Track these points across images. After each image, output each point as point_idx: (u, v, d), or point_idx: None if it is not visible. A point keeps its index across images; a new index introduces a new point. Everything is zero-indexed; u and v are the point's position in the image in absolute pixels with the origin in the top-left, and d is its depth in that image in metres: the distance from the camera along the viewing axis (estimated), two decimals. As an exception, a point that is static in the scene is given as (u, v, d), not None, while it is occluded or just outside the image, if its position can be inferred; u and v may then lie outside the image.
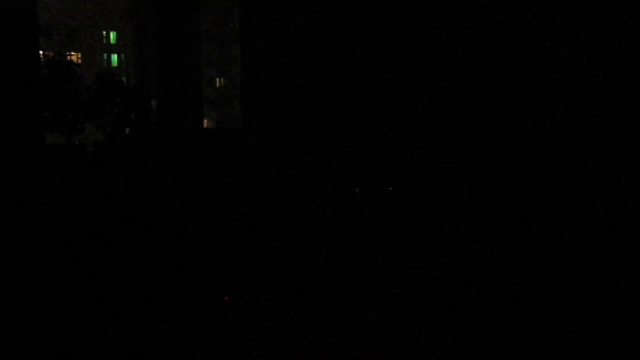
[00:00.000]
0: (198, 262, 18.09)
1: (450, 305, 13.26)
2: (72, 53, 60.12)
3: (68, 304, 13.53)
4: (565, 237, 21.19)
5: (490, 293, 14.21)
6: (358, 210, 26.90)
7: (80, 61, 60.76)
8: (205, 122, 67.94)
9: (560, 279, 15.96)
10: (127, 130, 47.63)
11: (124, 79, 56.15)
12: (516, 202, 27.79)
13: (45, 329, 9.95)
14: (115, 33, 64.70)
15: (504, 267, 17.36)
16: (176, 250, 19.91)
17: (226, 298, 13.55)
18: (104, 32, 64.54)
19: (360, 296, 13.69)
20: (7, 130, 36.18)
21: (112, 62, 64.62)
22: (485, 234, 21.98)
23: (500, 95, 35.12)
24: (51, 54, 52.76)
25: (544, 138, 33.42)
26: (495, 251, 19.26)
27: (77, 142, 45.49)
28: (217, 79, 71.10)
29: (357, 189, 31.81)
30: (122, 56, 64.88)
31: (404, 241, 20.94)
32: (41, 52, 52.81)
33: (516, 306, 13.10)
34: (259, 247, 19.84)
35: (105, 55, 64.69)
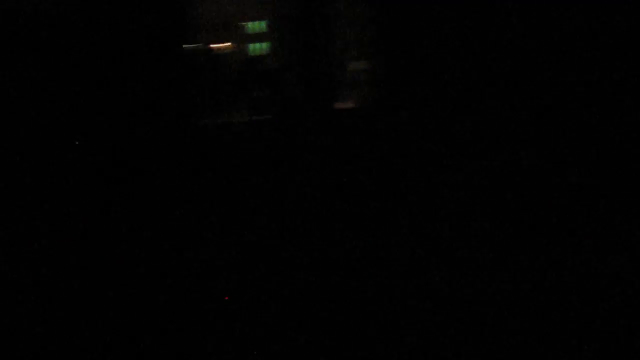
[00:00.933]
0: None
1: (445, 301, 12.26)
2: (220, 44, 63.45)
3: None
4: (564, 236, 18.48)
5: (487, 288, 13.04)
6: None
7: (228, 50, 64.01)
8: (347, 103, 68.70)
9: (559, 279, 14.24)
10: (274, 112, 49.84)
11: (269, 63, 58.62)
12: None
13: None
14: (262, 22, 67.28)
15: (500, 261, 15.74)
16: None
17: (226, 298, 13.27)
18: (251, 22, 67.33)
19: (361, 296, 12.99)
20: (161, 121, 38.98)
21: (259, 51, 67.46)
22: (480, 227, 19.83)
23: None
24: (201, 45, 56.20)
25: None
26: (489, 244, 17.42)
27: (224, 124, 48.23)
28: (356, 61, 71.48)
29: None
30: (269, 44, 67.37)
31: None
32: (191, 44, 56.40)
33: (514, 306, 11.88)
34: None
35: (253, 44, 67.65)
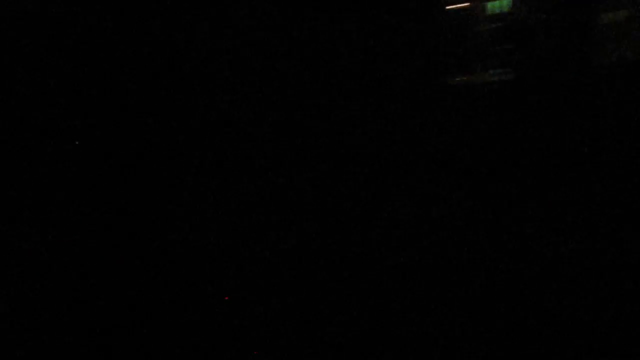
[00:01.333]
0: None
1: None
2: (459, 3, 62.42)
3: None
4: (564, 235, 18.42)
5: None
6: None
7: (467, 8, 62.96)
8: (604, 59, 66.43)
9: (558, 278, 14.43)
10: (520, 69, 48.91)
11: (514, 18, 57.42)
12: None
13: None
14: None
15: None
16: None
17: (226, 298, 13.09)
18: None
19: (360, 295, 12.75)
20: (408, 81, 38.88)
21: (499, 8, 65.96)
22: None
23: None
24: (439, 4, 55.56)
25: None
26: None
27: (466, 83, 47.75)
28: (617, 10, 68.97)
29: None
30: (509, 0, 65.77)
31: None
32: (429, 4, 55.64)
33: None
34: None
35: (492, 1, 66.20)
